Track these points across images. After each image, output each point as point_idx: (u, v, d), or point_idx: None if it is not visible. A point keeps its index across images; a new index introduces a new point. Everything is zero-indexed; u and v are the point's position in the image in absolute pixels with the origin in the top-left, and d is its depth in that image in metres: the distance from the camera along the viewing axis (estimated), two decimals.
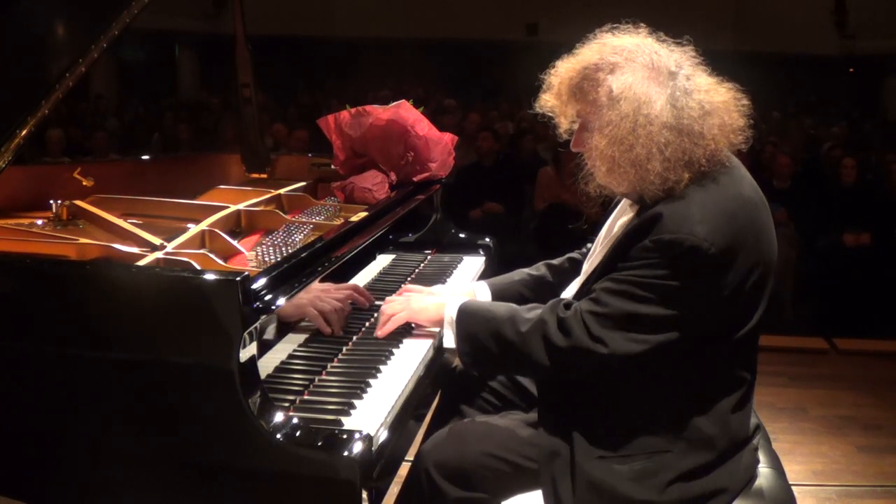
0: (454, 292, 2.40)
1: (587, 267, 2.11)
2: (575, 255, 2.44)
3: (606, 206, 2.13)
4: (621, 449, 1.87)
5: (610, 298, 1.82)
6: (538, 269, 2.44)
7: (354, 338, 2.19)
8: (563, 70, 1.95)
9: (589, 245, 2.25)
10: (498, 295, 2.39)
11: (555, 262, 2.45)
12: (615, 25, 1.95)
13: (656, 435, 1.87)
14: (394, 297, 2.29)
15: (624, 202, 2.05)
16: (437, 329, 2.17)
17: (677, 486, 1.85)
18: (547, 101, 1.99)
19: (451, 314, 2.05)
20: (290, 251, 2.26)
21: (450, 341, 2.05)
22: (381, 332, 2.17)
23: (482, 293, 2.40)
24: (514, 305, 2.01)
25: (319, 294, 2.18)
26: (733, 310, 1.84)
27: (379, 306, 2.44)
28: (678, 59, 1.89)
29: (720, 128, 1.85)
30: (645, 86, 1.83)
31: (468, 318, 2.02)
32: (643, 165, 1.81)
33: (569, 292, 2.14)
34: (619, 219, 2.04)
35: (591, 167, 1.91)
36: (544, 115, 2.00)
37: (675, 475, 1.85)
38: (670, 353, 1.82)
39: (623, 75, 1.85)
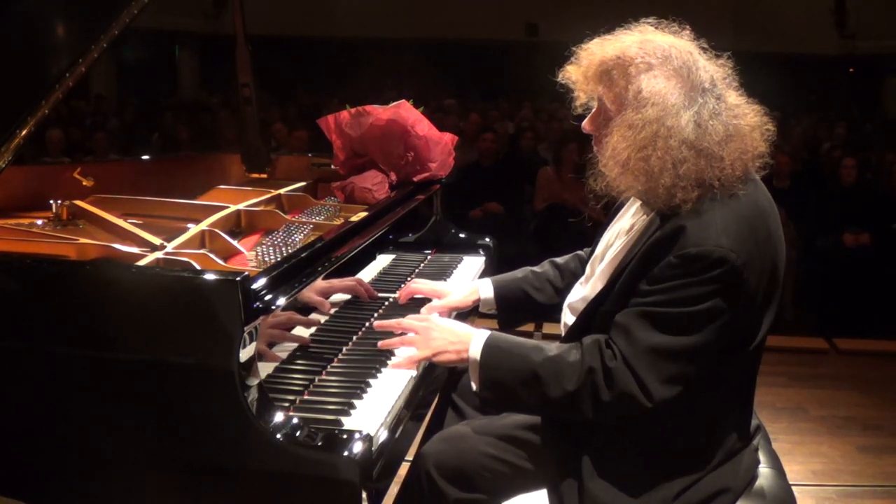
0: (459, 297, 2.39)
1: (593, 273, 2.07)
2: (581, 253, 2.42)
3: (608, 206, 2.11)
4: (628, 465, 1.85)
5: (644, 333, 1.76)
6: (543, 267, 2.42)
7: (354, 338, 2.18)
8: (597, 50, 1.88)
9: (597, 240, 2.22)
10: (501, 293, 2.39)
11: (560, 260, 2.42)
12: (660, 20, 1.89)
13: (662, 449, 1.86)
14: (413, 320, 2.09)
15: (632, 202, 2.01)
16: None
17: (682, 497, 1.84)
18: (571, 74, 1.93)
19: (475, 356, 1.91)
20: (290, 251, 2.26)
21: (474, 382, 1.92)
22: (395, 364, 2.03)
23: (485, 290, 2.40)
24: (545, 348, 1.86)
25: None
26: (748, 322, 1.81)
27: (382, 300, 2.44)
28: (714, 75, 1.83)
29: (740, 153, 1.80)
30: (674, 96, 1.77)
31: (496, 361, 1.89)
32: (654, 177, 1.76)
33: (573, 296, 2.13)
34: (628, 217, 2.02)
35: (603, 165, 1.85)
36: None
37: (681, 487, 1.84)
38: None
39: (655, 79, 1.79)
